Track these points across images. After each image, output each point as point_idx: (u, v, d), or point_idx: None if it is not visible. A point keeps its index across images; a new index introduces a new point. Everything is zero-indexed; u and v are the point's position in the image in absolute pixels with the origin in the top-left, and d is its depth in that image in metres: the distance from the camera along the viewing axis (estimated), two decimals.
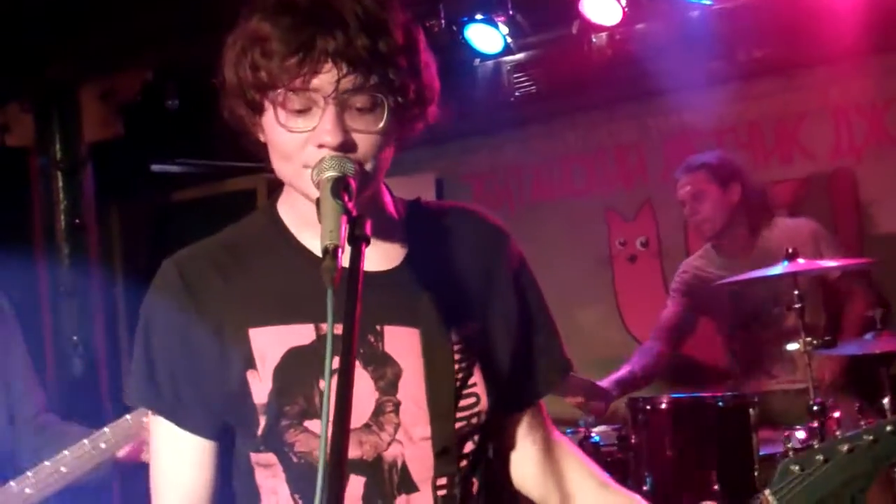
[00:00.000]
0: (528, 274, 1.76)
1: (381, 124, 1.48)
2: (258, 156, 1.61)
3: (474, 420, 1.60)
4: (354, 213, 1.39)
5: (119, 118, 4.80)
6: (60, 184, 4.61)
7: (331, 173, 1.43)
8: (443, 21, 4.09)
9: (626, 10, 4.48)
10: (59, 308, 4.70)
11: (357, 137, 1.48)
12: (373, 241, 1.56)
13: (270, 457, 1.56)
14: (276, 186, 1.67)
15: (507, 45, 4.91)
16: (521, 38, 4.91)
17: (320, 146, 1.46)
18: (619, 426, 3.99)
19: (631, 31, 4.73)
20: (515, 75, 5.15)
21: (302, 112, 1.48)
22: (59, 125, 4.58)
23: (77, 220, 4.54)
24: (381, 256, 1.62)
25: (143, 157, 5.63)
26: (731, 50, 4.76)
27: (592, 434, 3.79)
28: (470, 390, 1.60)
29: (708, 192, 4.19)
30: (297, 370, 1.54)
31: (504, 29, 4.82)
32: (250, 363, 1.55)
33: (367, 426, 1.56)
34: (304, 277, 1.57)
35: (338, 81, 1.44)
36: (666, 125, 5.25)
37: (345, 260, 1.33)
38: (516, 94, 5.17)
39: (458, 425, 1.58)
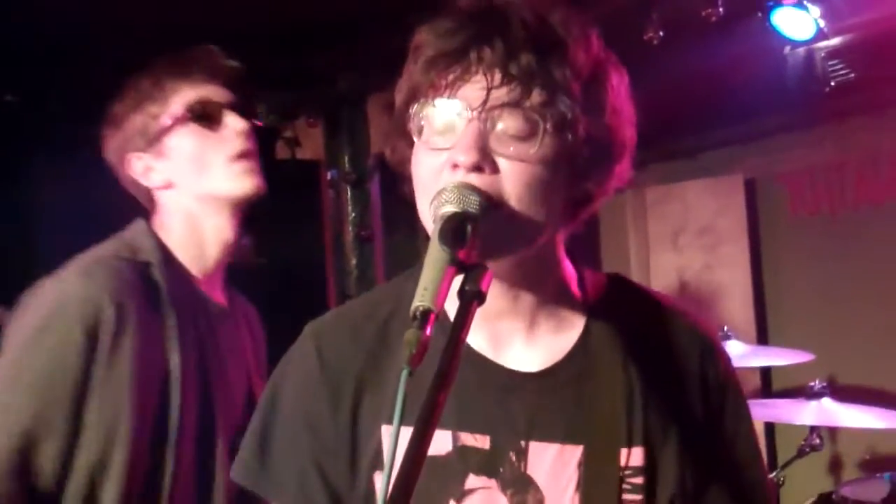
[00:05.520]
0: (733, 399, 1.45)
1: (535, 149, 1.25)
2: None
3: None
4: (470, 260, 1.16)
5: None
6: (349, 195, 4.87)
7: (447, 208, 1.22)
8: (720, 9, 3.91)
9: None
10: None
11: (504, 166, 1.26)
12: (531, 334, 1.38)
13: None
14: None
15: (819, 30, 4.63)
16: (836, 21, 4.61)
17: (454, 167, 1.26)
18: None
19: None
20: (831, 63, 4.82)
21: (445, 132, 1.29)
22: (347, 138, 4.86)
23: (364, 232, 4.82)
24: (538, 352, 1.40)
25: None
26: None
27: None
28: None
29: None
30: (426, 484, 1.29)
31: (816, 11, 4.55)
32: (379, 464, 1.39)
33: None
34: None
35: (487, 92, 1.25)
36: None
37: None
38: (832, 83, 4.86)
39: None
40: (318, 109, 4.88)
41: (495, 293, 1.33)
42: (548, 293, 1.41)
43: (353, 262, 4.86)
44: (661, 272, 6.19)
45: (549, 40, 1.28)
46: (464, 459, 1.37)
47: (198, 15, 3.82)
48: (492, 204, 1.25)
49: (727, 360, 1.48)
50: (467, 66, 1.27)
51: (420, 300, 1.09)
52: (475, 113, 1.27)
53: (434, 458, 1.35)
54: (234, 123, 2.17)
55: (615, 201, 6.48)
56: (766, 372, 5.67)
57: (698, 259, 6.08)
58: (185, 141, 2.16)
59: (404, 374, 1.04)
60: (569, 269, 1.45)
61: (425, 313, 1.08)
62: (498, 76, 1.26)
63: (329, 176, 4.99)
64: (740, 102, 4.96)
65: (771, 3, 4.55)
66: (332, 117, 4.89)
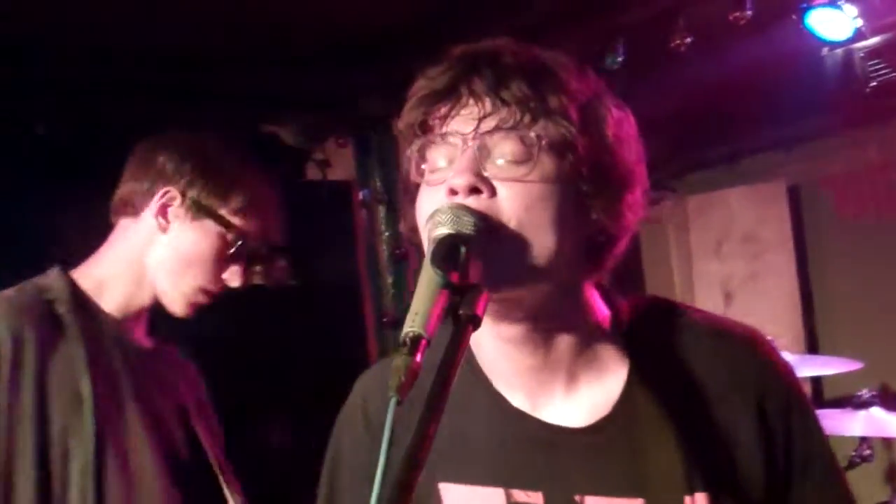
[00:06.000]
0: (800, 420, 1.37)
1: (532, 170, 1.22)
2: None
3: None
4: (464, 282, 1.11)
5: None
6: (381, 215, 4.87)
7: (440, 230, 1.18)
8: (748, 13, 3.87)
9: None
10: (384, 338, 4.93)
11: (501, 188, 1.22)
12: (571, 387, 1.32)
13: None
14: None
15: (857, 30, 4.56)
16: (873, 20, 4.55)
17: (451, 193, 1.22)
18: None
19: None
20: (870, 63, 4.76)
21: (445, 166, 1.27)
22: (377, 157, 4.86)
23: (398, 251, 4.81)
24: (581, 405, 1.33)
25: None
26: None
27: None
28: None
29: None
30: None
31: (852, 11, 4.49)
32: None
33: None
34: (494, 429, 1.33)
35: (479, 120, 1.23)
36: None
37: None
38: (872, 84, 4.79)
39: None
40: (347, 130, 4.88)
41: (526, 351, 1.31)
42: (581, 343, 1.34)
43: (390, 281, 4.85)
44: (705, 282, 6.11)
45: (540, 69, 1.27)
46: None
47: (221, 38, 3.84)
48: (488, 225, 1.21)
49: (788, 376, 1.40)
50: (458, 99, 1.26)
51: (410, 325, 1.05)
52: (469, 140, 1.25)
53: None
54: (233, 276, 2.23)
55: (655, 211, 6.44)
56: (816, 381, 5.58)
57: (743, 267, 6.00)
58: (200, 236, 2.20)
59: (392, 402, 1.00)
60: (601, 311, 1.38)
61: (415, 339, 1.04)
62: (489, 104, 1.25)
63: (361, 196, 4.99)
64: (779, 107, 4.90)
65: (804, 5, 4.50)
66: (362, 137, 4.89)
